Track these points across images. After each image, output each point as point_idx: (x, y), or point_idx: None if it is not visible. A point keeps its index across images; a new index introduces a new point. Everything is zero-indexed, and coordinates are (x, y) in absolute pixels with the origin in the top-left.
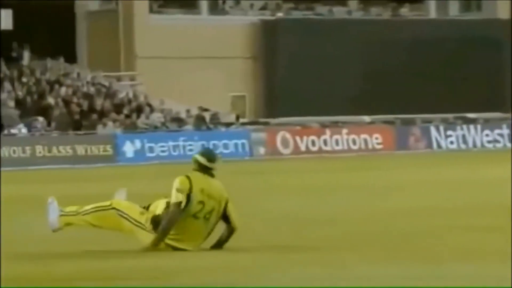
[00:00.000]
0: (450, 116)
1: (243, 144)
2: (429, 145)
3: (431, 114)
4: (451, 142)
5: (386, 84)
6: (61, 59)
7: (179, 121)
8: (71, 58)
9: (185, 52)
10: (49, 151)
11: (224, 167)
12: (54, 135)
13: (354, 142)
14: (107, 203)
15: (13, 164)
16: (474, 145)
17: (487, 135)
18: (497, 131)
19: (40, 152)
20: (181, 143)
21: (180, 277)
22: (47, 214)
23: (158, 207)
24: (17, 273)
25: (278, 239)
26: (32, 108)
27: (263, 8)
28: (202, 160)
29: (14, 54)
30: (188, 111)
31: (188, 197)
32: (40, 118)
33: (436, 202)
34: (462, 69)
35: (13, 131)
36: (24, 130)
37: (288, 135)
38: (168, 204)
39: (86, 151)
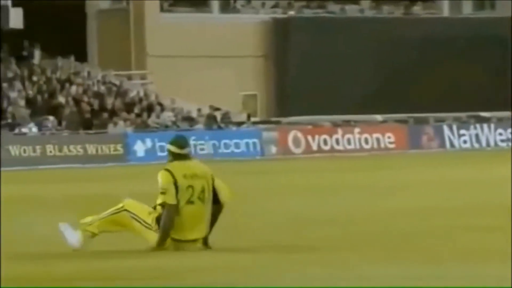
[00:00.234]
0: (463, 115)
1: (254, 144)
2: (442, 144)
3: (444, 113)
4: (464, 141)
5: (399, 82)
6: (72, 58)
7: (190, 120)
8: (82, 57)
9: (196, 50)
10: (60, 151)
11: (235, 167)
12: (65, 134)
13: (366, 141)
14: (119, 205)
15: (24, 163)
16: (488, 144)
17: (500, 134)
18: (510, 130)
19: (50, 152)
20: (192, 142)
21: (180, 277)
22: (64, 239)
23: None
24: (17, 273)
25: (282, 238)
26: (42, 107)
27: (275, 6)
28: (174, 148)
29: (24, 53)
30: (199, 110)
31: (176, 188)
32: (51, 117)
33: (443, 202)
34: (475, 68)
35: (23, 130)
36: (34, 129)
37: (299, 134)
38: (163, 204)
39: (96, 150)
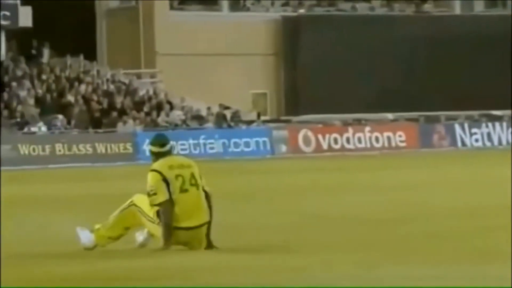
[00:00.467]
0: (475, 113)
1: (264, 142)
2: (454, 143)
3: (456, 111)
4: (476, 140)
5: (410, 80)
6: (81, 57)
7: (199, 119)
8: (91, 55)
9: (205, 49)
10: (69, 150)
11: (245, 166)
12: (74, 133)
13: (377, 140)
14: (128, 201)
15: (33, 162)
16: (500, 143)
17: None
18: None
19: (60, 151)
20: (201, 141)
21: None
22: (79, 240)
23: None
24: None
25: (292, 238)
26: (52, 106)
27: (285, 4)
28: (155, 148)
29: (33, 52)
30: (208, 108)
31: (166, 182)
32: (60, 116)
33: (454, 202)
34: (486, 66)
35: (33, 129)
36: (44, 128)
37: (310, 133)
38: (157, 205)
39: (106, 149)
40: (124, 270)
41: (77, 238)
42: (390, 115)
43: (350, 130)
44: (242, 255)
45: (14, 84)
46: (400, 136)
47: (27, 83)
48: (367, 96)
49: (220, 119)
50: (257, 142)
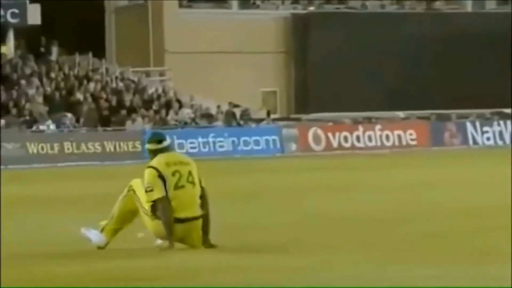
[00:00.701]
0: (486, 111)
1: (274, 141)
2: (465, 141)
3: (467, 110)
4: (488, 138)
5: (421, 78)
6: (90, 55)
7: (209, 117)
8: (100, 53)
9: (215, 47)
10: (78, 148)
11: (255, 164)
12: (83, 132)
13: (387, 138)
14: (126, 188)
15: (41, 161)
16: None
17: None
18: None
19: (68, 149)
20: (211, 139)
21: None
22: (89, 240)
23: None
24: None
25: (302, 237)
26: (60, 104)
27: (295, 2)
28: (152, 146)
29: (42, 50)
30: (218, 107)
31: (162, 178)
32: (69, 114)
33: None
34: (498, 63)
35: (41, 127)
36: (52, 127)
37: (320, 131)
38: (153, 201)
39: (115, 147)
40: (124, 270)
41: (85, 239)
42: (401, 113)
43: (361, 128)
44: (243, 255)
45: (23, 82)
46: (411, 134)
47: (35, 81)
48: (377, 94)
49: (230, 117)
50: (267, 141)
